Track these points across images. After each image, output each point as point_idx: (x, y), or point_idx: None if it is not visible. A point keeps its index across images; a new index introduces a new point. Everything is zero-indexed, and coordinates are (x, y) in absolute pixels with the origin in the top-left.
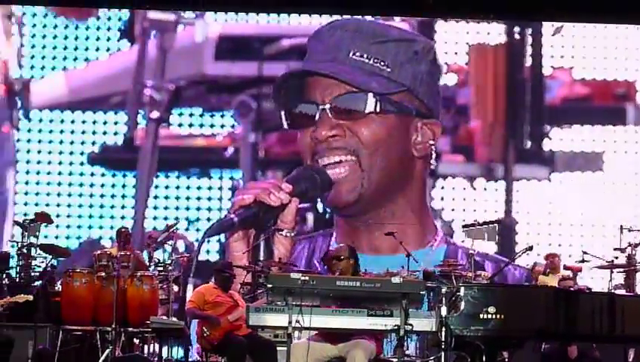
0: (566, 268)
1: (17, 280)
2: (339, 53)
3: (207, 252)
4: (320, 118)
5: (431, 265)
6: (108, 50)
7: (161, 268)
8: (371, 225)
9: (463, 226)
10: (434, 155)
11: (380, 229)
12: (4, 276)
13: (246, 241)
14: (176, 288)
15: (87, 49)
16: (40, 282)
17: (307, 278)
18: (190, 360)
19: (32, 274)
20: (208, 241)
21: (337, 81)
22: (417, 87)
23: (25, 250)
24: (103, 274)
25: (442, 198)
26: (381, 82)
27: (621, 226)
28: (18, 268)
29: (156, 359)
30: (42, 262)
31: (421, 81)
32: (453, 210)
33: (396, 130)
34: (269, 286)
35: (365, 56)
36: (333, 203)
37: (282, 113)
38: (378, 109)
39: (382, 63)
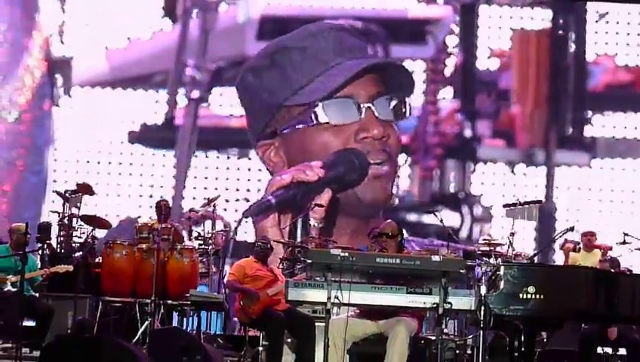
0: (595, 246)
1: (58, 250)
2: (362, 51)
3: (245, 233)
4: (366, 116)
5: None
6: (150, 28)
7: (201, 242)
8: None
9: (504, 205)
10: None
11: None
12: (45, 246)
13: (279, 229)
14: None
15: (129, 27)
16: (80, 253)
17: (347, 254)
18: (228, 333)
19: (73, 244)
20: (246, 222)
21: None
22: None
23: (66, 221)
24: (144, 246)
25: (482, 183)
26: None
27: None
28: (59, 238)
29: (195, 332)
30: (83, 233)
31: None
32: (493, 195)
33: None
34: (309, 261)
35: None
36: (372, 197)
37: (320, 107)
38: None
39: None
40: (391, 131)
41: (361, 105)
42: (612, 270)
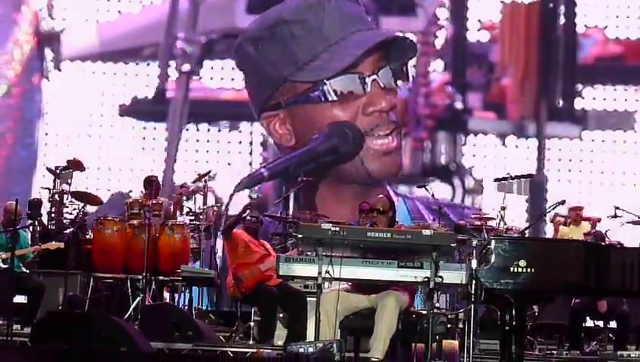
0: (584, 219)
1: (49, 227)
2: (364, 22)
3: (237, 205)
4: (372, 88)
5: (401, 221)
6: (140, 1)
7: (192, 218)
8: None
9: (495, 179)
10: None
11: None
12: (36, 223)
13: None
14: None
15: (119, 0)
16: (71, 229)
17: (337, 229)
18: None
19: (64, 221)
20: (238, 195)
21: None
22: None
23: (57, 197)
24: (135, 222)
25: (474, 155)
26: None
27: None
28: (50, 215)
29: (186, 308)
30: (74, 209)
31: None
32: (484, 167)
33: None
34: (299, 236)
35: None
36: (385, 171)
37: (328, 86)
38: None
39: None
40: (396, 99)
41: (367, 79)
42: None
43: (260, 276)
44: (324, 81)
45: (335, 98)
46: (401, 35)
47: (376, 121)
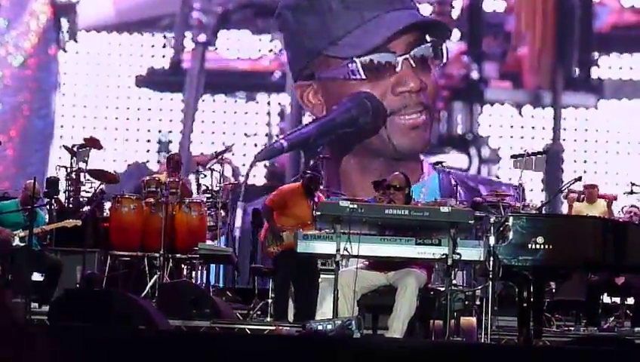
0: (600, 196)
1: (66, 205)
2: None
3: (255, 176)
4: (402, 68)
5: (428, 196)
6: None
7: (209, 195)
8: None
9: (512, 156)
10: None
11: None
12: (54, 201)
13: None
14: (223, 213)
15: None
16: (89, 207)
17: (356, 206)
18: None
19: (81, 199)
20: (256, 166)
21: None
22: None
23: (74, 175)
24: (152, 200)
25: (490, 125)
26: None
27: None
28: (67, 193)
29: (204, 285)
30: (91, 187)
31: None
32: (500, 137)
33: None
34: (318, 213)
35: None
36: (411, 146)
37: (358, 64)
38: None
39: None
40: (428, 80)
41: (398, 58)
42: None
43: (291, 243)
44: (354, 58)
45: (364, 77)
46: (434, 18)
47: (404, 102)
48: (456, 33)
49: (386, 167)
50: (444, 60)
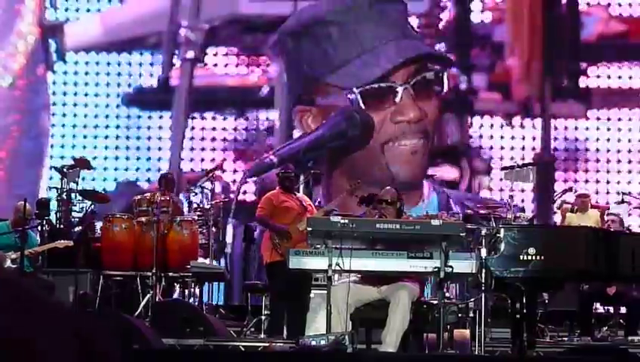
0: (592, 206)
1: (57, 226)
2: (404, 24)
3: (245, 193)
4: (402, 98)
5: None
6: None
7: (201, 213)
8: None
9: (502, 168)
10: None
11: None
12: (45, 222)
13: None
14: (214, 230)
15: None
16: (80, 228)
17: (347, 221)
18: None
19: (72, 219)
20: (246, 182)
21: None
22: None
23: (64, 196)
24: (143, 219)
25: (480, 136)
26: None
27: None
28: (58, 213)
29: (197, 303)
30: (82, 208)
31: None
32: (491, 148)
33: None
34: (309, 229)
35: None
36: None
37: (357, 95)
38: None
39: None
40: (429, 108)
41: (398, 88)
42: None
43: (298, 236)
44: (353, 90)
45: (363, 107)
46: (436, 51)
47: (402, 130)
48: (444, 45)
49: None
50: (445, 89)
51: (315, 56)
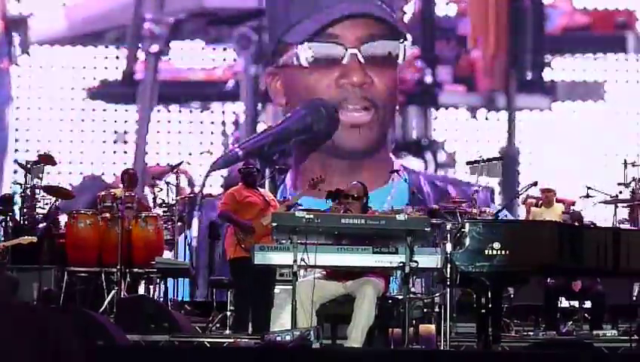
0: (558, 200)
1: (21, 222)
2: None
3: (210, 186)
4: (349, 62)
5: (394, 202)
6: None
7: (166, 209)
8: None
9: (467, 163)
10: None
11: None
12: (8, 218)
13: None
14: (180, 224)
15: None
16: (44, 224)
17: (312, 216)
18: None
19: (36, 216)
20: (211, 175)
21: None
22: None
23: (28, 192)
24: (108, 215)
25: (445, 129)
26: (402, 28)
27: (625, 161)
28: (22, 210)
29: (162, 299)
30: (46, 203)
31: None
32: (455, 140)
33: (396, 79)
34: (274, 224)
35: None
36: (350, 145)
37: (301, 51)
38: (403, 59)
39: (390, 8)
40: (377, 78)
41: (347, 49)
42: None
43: (262, 231)
44: (297, 45)
45: (305, 64)
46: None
47: (344, 95)
48: (408, 37)
49: (350, 168)
50: (400, 60)
51: (279, 14)
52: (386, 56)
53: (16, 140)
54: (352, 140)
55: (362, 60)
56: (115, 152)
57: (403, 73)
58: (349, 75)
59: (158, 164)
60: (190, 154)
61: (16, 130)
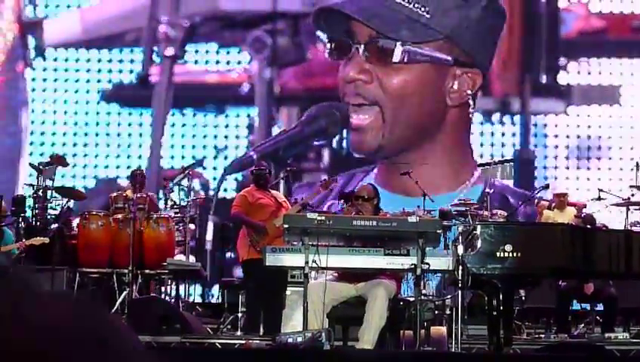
0: (570, 204)
1: (34, 223)
2: None
3: (225, 190)
4: (352, 56)
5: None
6: None
7: (177, 210)
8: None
9: (479, 165)
10: (472, 104)
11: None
12: (21, 219)
13: None
14: (192, 226)
15: None
16: (56, 225)
17: (323, 218)
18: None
19: (49, 216)
20: (226, 179)
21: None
22: (461, 34)
23: (41, 193)
24: (119, 216)
25: None
26: (415, 29)
27: (637, 163)
28: (34, 211)
29: (173, 300)
30: (58, 204)
31: (467, 28)
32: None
33: (429, 81)
34: (285, 226)
35: (406, 0)
36: (355, 148)
37: (326, 40)
38: (406, 60)
39: (422, 9)
40: (387, 79)
41: (352, 45)
42: (587, 226)
43: (274, 232)
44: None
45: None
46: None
47: (342, 89)
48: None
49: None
50: (395, 59)
51: None
52: (379, 55)
53: (31, 143)
54: (355, 144)
55: (362, 55)
56: (129, 156)
57: None
58: (347, 69)
59: (172, 168)
60: (205, 157)
61: (32, 133)
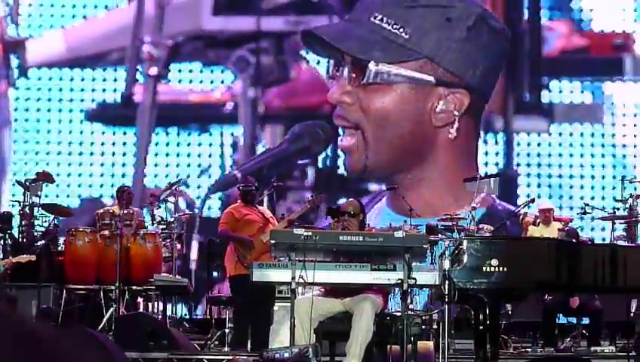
0: (556, 219)
1: (20, 240)
2: (362, 14)
3: (209, 208)
4: (339, 76)
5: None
6: (106, 7)
7: (164, 226)
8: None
9: (464, 180)
10: (455, 125)
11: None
12: (7, 236)
13: None
14: (179, 246)
15: (84, 6)
16: (43, 242)
17: (310, 234)
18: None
19: (35, 233)
20: (210, 198)
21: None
22: (441, 55)
23: (27, 210)
24: (106, 232)
25: None
26: (388, 50)
27: (622, 177)
28: (20, 228)
29: (160, 317)
30: (45, 221)
31: (448, 48)
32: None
33: (410, 101)
34: (272, 242)
35: (385, 20)
36: (346, 169)
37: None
38: (379, 80)
39: (401, 30)
40: (360, 97)
41: (341, 66)
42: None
43: (262, 248)
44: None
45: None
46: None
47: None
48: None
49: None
50: (364, 80)
51: None
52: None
53: (15, 163)
54: (350, 164)
55: (346, 76)
56: (113, 175)
57: None
58: (331, 89)
59: (156, 186)
60: (189, 176)
61: (14, 152)
